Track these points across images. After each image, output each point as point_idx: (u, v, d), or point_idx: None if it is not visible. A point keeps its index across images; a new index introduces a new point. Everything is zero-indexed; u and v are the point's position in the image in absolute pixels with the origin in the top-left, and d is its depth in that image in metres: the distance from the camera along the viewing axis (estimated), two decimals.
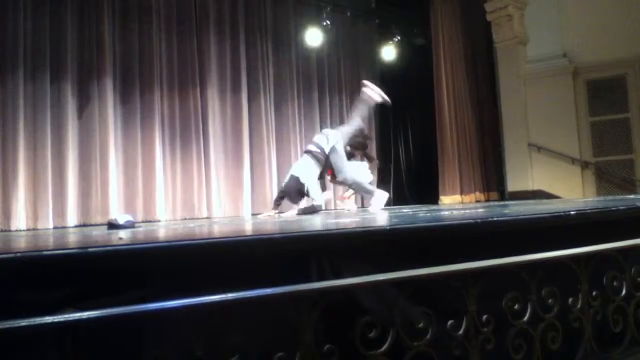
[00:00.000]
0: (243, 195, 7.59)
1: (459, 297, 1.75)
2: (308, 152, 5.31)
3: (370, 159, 6.38)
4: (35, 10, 6.03)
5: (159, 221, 6.58)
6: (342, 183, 5.65)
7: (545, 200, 6.91)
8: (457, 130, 8.99)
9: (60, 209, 6.04)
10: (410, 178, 9.89)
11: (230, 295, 1.39)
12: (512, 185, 8.79)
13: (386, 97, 5.39)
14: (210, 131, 7.39)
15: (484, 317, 1.76)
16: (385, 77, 9.74)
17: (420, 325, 1.65)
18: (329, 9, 8.53)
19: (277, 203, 5.32)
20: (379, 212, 4.86)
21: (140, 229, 3.82)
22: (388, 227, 1.87)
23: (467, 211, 3.80)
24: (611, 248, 2.11)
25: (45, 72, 6.03)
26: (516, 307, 1.85)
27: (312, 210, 5.15)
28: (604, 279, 2.11)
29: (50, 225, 5.86)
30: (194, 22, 7.42)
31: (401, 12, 9.61)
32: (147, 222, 6.41)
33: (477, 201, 8.86)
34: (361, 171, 5.97)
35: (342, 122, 9.06)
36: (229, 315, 1.41)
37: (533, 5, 8.75)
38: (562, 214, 2.25)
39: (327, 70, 9.01)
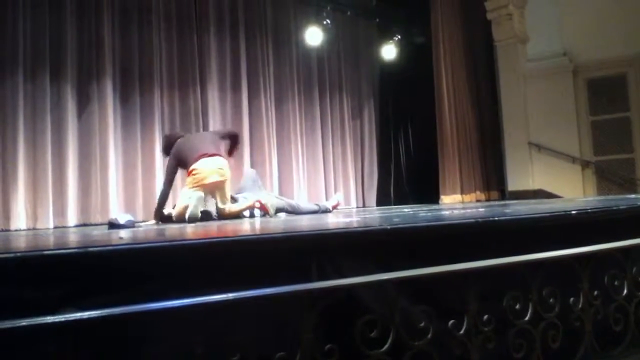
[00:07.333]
0: None
1: (460, 297, 1.75)
2: None
3: None
4: (35, 10, 6.01)
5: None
6: None
7: (545, 200, 6.91)
8: (457, 129, 8.98)
9: (60, 209, 6.02)
10: (411, 177, 9.88)
11: (231, 295, 1.39)
12: (512, 185, 8.77)
13: None
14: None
15: (485, 316, 1.76)
16: (385, 75, 9.78)
17: (421, 324, 1.65)
18: (329, 7, 8.52)
19: None
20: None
21: (140, 228, 3.82)
22: (389, 227, 1.87)
23: (468, 211, 3.80)
24: (612, 247, 2.10)
25: (45, 72, 6.01)
26: (517, 306, 1.85)
27: None
28: (605, 279, 2.11)
29: (51, 225, 5.84)
30: (194, 21, 7.40)
31: (401, 11, 9.61)
32: (147, 221, 6.39)
33: (478, 200, 8.86)
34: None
35: (342, 120, 9.13)
36: (230, 314, 1.41)
37: (533, 4, 8.73)
38: (563, 213, 2.25)
39: (327, 69, 9.00)
